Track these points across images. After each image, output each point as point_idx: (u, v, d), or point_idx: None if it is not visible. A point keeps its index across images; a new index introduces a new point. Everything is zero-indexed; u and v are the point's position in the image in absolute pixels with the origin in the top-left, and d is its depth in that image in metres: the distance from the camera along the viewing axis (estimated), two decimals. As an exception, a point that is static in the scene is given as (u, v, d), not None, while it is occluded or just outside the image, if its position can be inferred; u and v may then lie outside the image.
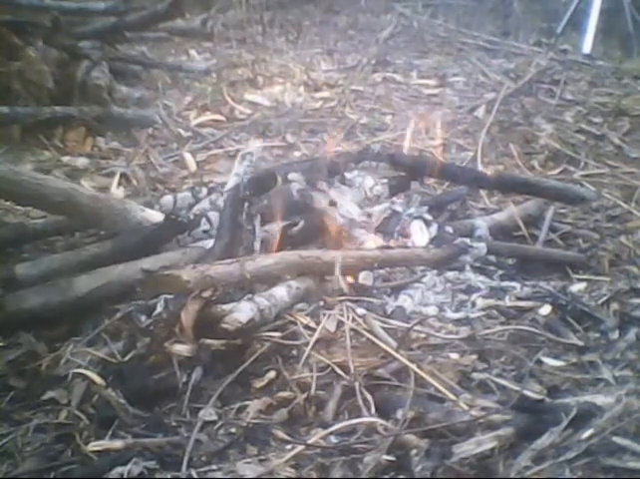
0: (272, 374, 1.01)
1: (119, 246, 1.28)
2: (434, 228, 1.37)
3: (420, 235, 1.34)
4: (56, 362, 1.04)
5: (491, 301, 1.21)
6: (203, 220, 1.37)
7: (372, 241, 1.31)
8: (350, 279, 1.21)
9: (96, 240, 1.34)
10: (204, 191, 1.50)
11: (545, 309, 1.18)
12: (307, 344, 1.05)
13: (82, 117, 1.93)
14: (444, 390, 0.95)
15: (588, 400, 0.91)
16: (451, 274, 1.26)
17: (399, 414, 0.90)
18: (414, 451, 0.83)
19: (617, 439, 0.83)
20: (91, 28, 2.34)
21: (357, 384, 0.96)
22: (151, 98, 2.18)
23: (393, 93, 2.45)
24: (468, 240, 1.32)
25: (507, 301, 1.21)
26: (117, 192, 1.66)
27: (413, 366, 0.99)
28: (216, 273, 1.05)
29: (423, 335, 1.10)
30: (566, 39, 3.29)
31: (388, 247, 1.27)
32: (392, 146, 1.91)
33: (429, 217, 1.39)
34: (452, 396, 0.94)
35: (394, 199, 1.45)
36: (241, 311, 1.03)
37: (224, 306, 1.04)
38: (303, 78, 2.52)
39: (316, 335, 1.06)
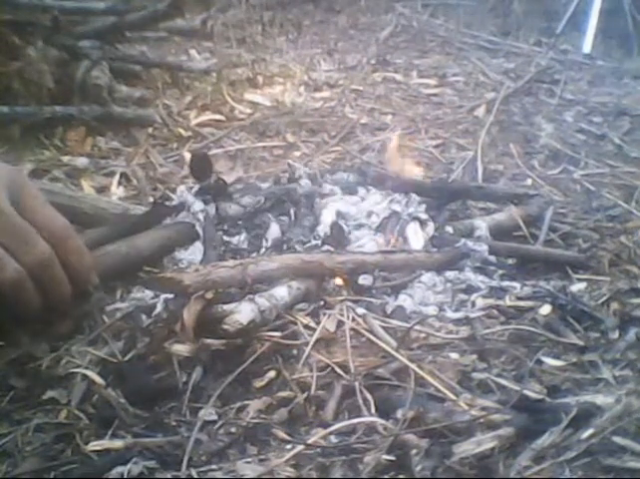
0: (272, 374, 1.00)
1: (114, 231, 1.29)
2: (430, 227, 1.37)
3: (415, 237, 1.33)
4: (56, 362, 1.04)
5: (491, 301, 1.21)
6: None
7: (373, 244, 1.30)
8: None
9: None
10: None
11: (545, 309, 1.18)
12: (307, 344, 1.05)
13: (82, 117, 1.93)
14: (444, 390, 0.95)
15: (588, 400, 0.91)
16: (451, 274, 1.26)
17: (399, 414, 0.89)
18: (414, 451, 0.83)
19: (617, 439, 0.83)
20: (91, 28, 2.33)
21: (357, 384, 0.96)
22: (151, 98, 2.18)
23: (393, 92, 2.45)
24: (470, 243, 1.32)
25: (507, 301, 1.21)
26: (117, 191, 1.66)
27: (413, 366, 0.99)
28: (219, 277, 1.05)
29: (423, 335, 1.10)
30: (566, 39, 3.30)
31: (389, 252, 1.26)
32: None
33: (425, 216, 1.38)
34: (452, 396, 0.94)
35: (392, 198, 1.45)
36: (242, 312, 1.03)
37: (225, 307, 1.04)
38: (303, 78, 2.52)
39: (316, 335, 1.06)
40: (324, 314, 1.12)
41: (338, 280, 1.19)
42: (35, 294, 1.04)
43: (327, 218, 1.35)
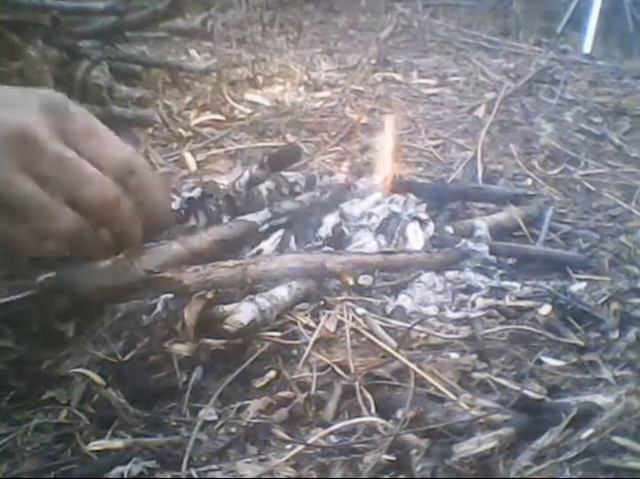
0: (272, 374, 1.00)
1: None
2: (430, 227, 1.37)
3: (415, 238, 1.33)
4: (56, 362, 1.04)
5: (491, 301, 1.20)
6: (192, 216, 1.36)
7: (374, 244, 1.30)
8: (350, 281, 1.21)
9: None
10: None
11: (545, 309, 1.18)
12: (307, 344, 1.05)
13: (82, 116, 1.92)
14: (444, 390, 0.95)
15: (588, 400, 0.91)
16: (451, 274, 1.26)
17: (399, 414, 0.89)
18: (414, 451, 0.83)
19: (617, 439, 0.83)
20: (91, 28, 2.33)
21: (357, 384, 0.96)
22: (150, 98, 2.18)
23: (393, 92, 2.45)
24: (470, 243, 1.32)
25: (507, 301, 1.21)
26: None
27: (413, 366, 0.99)
28: (219, 277, 1.05)
29: (423, 335, 1.10)
30: (566, 39, 3.30)
31: (390, 252, 1.26)
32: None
33: (425, 216, 1.38)
34: (452, 396, 0.94)
35: (391, 197, 1.45)
36: (242, 312, 1.03)
37: (225, 307, 1.04)
38: (303, 78, 2.52)
39: (316, 335, 1.06)
40: (324, 314, 1.12)
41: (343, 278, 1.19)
42: (99, 243, 0.85)
43: (329, 219, 1.35)
